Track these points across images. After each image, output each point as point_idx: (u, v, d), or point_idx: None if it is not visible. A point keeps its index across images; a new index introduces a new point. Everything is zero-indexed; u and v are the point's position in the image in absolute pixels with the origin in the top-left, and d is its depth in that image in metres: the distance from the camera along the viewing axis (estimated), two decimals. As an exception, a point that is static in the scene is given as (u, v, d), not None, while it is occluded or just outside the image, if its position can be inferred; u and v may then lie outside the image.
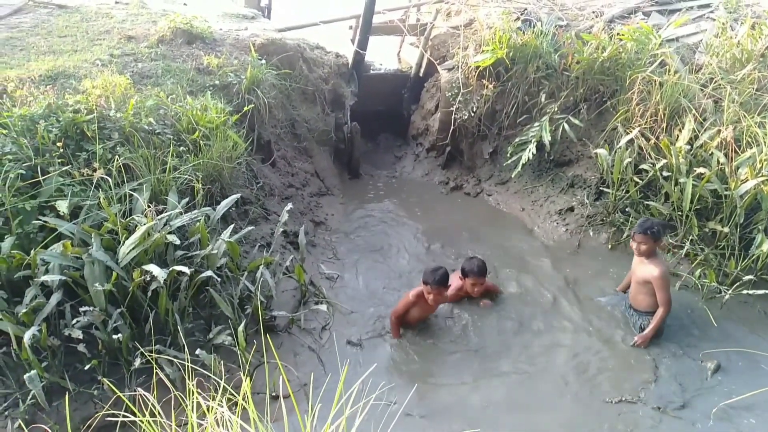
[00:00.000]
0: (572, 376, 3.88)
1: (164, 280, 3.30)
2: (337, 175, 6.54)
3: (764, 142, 4.63)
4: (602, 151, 5.26)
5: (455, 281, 4.49)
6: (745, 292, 4.42)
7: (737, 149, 4.71)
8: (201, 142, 4.33)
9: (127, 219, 3.62)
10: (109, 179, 3.67)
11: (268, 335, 2.90)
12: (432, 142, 6.83)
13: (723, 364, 3.94)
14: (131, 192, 3.79)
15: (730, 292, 4.47)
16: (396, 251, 5.38)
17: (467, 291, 4.49)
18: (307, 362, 3.89)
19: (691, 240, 4.86)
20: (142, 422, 1.74)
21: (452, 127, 6.31)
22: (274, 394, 3.41)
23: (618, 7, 6.66)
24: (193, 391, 1.80)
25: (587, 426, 3.51)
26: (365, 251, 5.37)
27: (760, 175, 4.48)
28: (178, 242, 3.54)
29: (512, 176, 6.01)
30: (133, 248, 3.43)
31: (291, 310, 4.25)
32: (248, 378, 2.08)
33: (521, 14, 6.44)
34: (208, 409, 1.75)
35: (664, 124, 5.11)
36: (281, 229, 4.41)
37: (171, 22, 5.59)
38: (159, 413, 1.77)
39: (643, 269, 4.16)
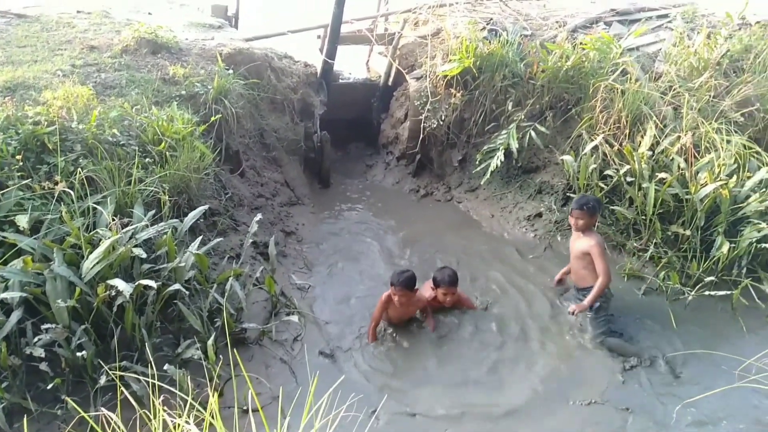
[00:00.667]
0: (542, 380, 3.93)
1: (130, 294, 3.23)
2: (308, 185, 6.51)
3: (722, 147, 4.79)
4: (568, 158, 5.37)
5: (427, 291, 4.51)
6: (707, 293, 4.55)
7: (696, 154, 4.86)
8: (167, 153, 4.26)
9: (91, 233, 3.53)
10: (72, 192, 3.58)
11: (236, 349, 2.86)
12: (402, 150, 6.87)
13: (686, 364, 4.05)
14: (95, 205, 3.70)
15: (693, 293, 4.60)
16: (368, 259, 5.38)
17: (440, 301, 4.49)
18: (279, 374, 3.84)
19: (655, 243, 4.98)
20: (106, 443, 1.69)
21: (422, 136, 6.36)
22: (244, 408, 3.36)
23: (581, 17, 6.82)
24: (158, 409, 1.76)
25: (557, 429, 3.55)
26: (337, 260, 5.35)
27: (719, 179, 4.63)
28: (144, 256, 3.47)
29: (481, 183, 6.08)
30: (98, 263, 3.35)
31: (262, 321, 4.20)
32: (216, 393, 2.04)
33: (487, 24, 6.54)
34: (175, 427, 1.71)
35: (627, 131, 5.25)
36: (251, 240, 4.36)
37: (135, 32, 5.50)
38: (123, 432, 1.73)
39: (581, 243, 4.34)
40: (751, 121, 5.21)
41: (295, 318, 4.18)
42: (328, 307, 4.68)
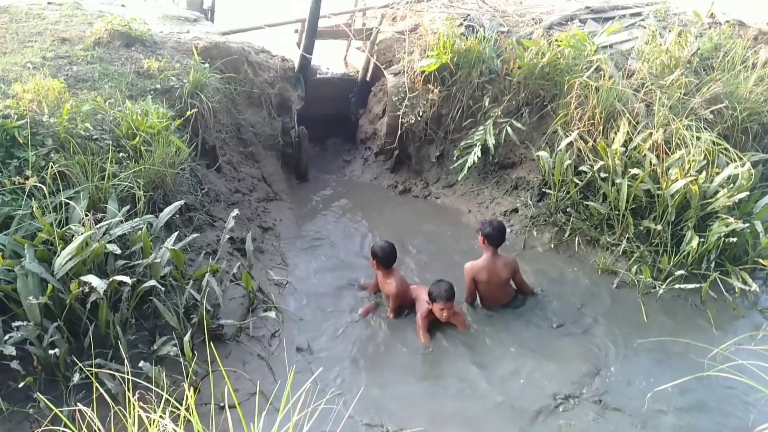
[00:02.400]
0: (515, 373, 3.99)
1: (104, 291, 3.19)
2: (285, 180, 6.48)
3: (692, 144, 4.90)
4: (544, 154, 5.43)
5: (423, 305, 4.33)
6: (677, 286, 4.66)
7: (667, 151, 4.96)
8: (142, 147, 4.21)
9: (64, 229, 3.47)
10: (43, 187, 3.52)
11: (213, 345, 2.84)
12: (380, 146, 6.87)
13: (656, 353, 4.16)
14: (67, 200, 3.64)
15: (663, 286, 4.71)
16: (346, 255, 5.38)
17: (435, 316, 4.26)
18: (257, 371, 3.83)
19: (628, 238, 5.08)
20: (79, 440, 1.68)
21: (400, 131, 6.37)
22: (221, 404, 3.35)
23: (556, 15, 6.90)
24: (134, 405, 1.75)
25: (529, 421, 3.61)
26: (315, 256, 5.34)
27: (689, 175, 4.74)
28: (118, 251, 3.44)
29: (459, 179, 6.13)
30: (70, 259, 3.30)
31: (239, 318, 4.18)
32: (192, 389, 2.03)
33: (464, 20, 6.57)
34: (150, 423, 1.70)
35: (601, 127, 5.33)
36: (227, 236, 4.33)
37: (108, 24, 5.40)
38: (99, 429, 1.71)
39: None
40: (720, 118, 5.33)
41: (272, 314, 4.17)
42: (306, 302, 4.67)
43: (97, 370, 2.99)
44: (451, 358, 4.10)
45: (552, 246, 5.42)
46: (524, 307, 4.65)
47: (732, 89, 5.41)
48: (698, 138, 4.94)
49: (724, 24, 6.49)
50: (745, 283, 4.63)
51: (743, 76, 5.49)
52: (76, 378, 3.14)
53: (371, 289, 4.78)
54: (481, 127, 5.94)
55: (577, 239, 5.34)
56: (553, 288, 4.88)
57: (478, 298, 4.62)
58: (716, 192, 4.77)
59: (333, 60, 8.32)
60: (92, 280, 3.19)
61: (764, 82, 5.44)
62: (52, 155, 3.81)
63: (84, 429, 1.79)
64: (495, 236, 4.47)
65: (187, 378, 2.71)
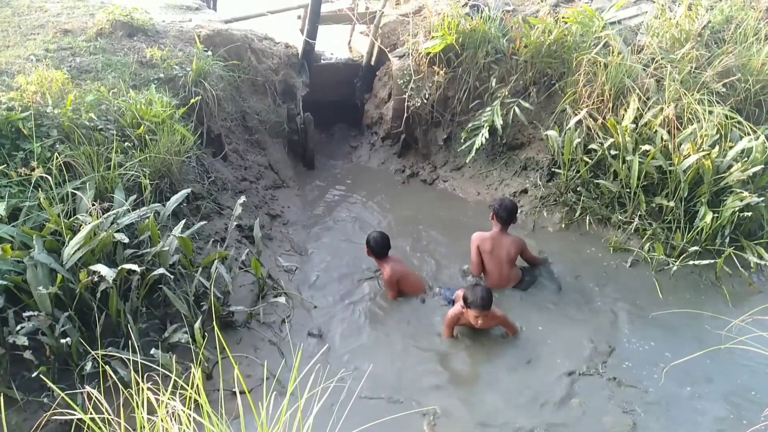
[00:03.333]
0: (530, 350, 3.97)
1: (113, 279, 3.20)
2: (292, 167, 6.45)
3: (704, 118, 4.81)
4: (553, 133, 5.36)
5: (457, 306, 4.04)
6: (691, 262, 4.60)
7: (679, 126, 4.87)
8: (147, 136, 4.19)
9: (71, 219, 3.47)
10: (50, 178, 3.51)
11: (224, 332, 2.83)
12: (386, 130, 6.81)
13: (671, 330, 4.12)
14: (74, 191, 3.64)
15: (677, 263, 4.65)
16: (354, 240, 5.35)
17: (468, 322, 3.96)
18: (269, 356, 3.83)
19: (640, 215, 5.02)
20: (88, 421, 1.67)
21: (406, 115, 6.30)
22: (233, 390, 3.35)
23: (563, -8, 6.76)
24: (142, 388, 1.74)
25: (545, 396, 3.59)
26: (323, 242, 5.33)
27: (701, 150, 4.65)
28: (126, 240, 3.43)
29: (467, 161, 6.06)
30: (79, 248, 3.30)
31: (249, 304, 4.18)
32: (200, 370, 2.02)
33: (469, 0, 6.47)
34: (159, 404, 1.69)
35: (610, 104, 5.24)
36: (235, 223, 4.32)
37: (110, 15, 5.37)
38: (107, 410, 1.70)
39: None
40: (733, 91, 5.21)
41: (282, 300, 4.17)
42: (316, 287, 4.66)
43: (109, 357, 3.00)
44: (461, 337, 4.08)
45: (563, 226, 5.36)
46: (535, 287, 4.61)
47: (744, 62, 5.28)
48: (710, 112, 4.85)
49: (736, -5, 6.33)
50: (761, 257, 4.57)
51: (756, 48, 5.36)
52: (88, 366, 3.15)
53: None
54: (488, 108, 5.86)
55: (588, 218, 5.28)
56: (565, 267, 4.83)
57: (486, 281, 4.60)
58: (730, 166, 4.68)
59: (337, 45, 8.23)
60: (101, 269, 3.19)
61: (777, 53, 5.31)
62: (57, 146, 3.81)
63: (93, 413, 1.78)
64: (503, 214, 4.54)
65: (195, 362, 2.70)
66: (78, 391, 2.73)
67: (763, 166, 4.65)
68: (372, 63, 7.14)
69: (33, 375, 3.07)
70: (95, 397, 1.72)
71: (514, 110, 5.68)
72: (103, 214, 3.49)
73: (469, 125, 5.97)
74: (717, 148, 4.68)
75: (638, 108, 5.04)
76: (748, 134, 4.80)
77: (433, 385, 3.70)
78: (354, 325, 4.26)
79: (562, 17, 5.79)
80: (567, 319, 4.27)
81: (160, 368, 2.26)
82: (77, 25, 5.39)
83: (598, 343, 4.03)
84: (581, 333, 4.13)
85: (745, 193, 4.52)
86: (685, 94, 4.95)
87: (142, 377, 2.14)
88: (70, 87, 4.32)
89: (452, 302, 4.29)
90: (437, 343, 4.05)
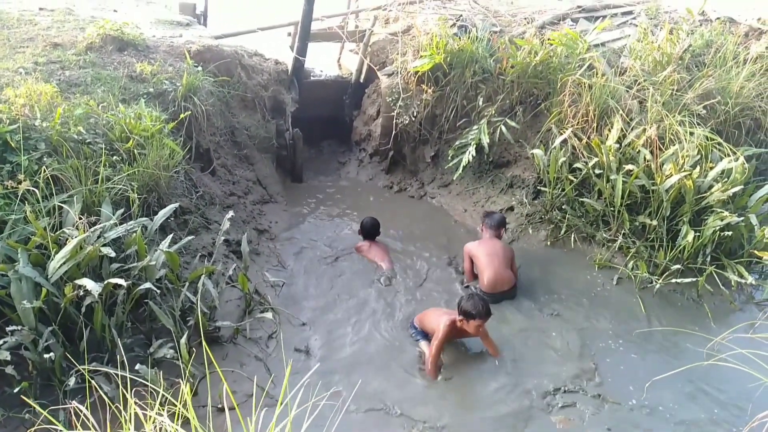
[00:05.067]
0: (515, 366, 3.99)
1: (99, 294, 3.17)
2: (280, 183, 6.47)
3: (685, 139, 4.92)
4: (538, 152, 5.44)
5: (435, 318, 4.05)
6: (674, 281, 4.67)
7: (661, 146, 4.98)
8: (135, 151, 4.19)
9: (57, 232, 3.45)
10: (36, 191, 3.49)
11: (210, 347, 2.82)
12: (375, 147, 6.87)
13: (654, 346, 4.19)
14: (61, 204, 3.62)
15: (660, 281, 4.72)
16: (342, 256, 5.36)
17: (466, 331, 3.95)
18: (255, 372, 3.80)
19: (624, 234, 5.10)
20: (75, 437, 1.65)
21: (394, 132, 6.37)
22: (219, 406, 3.33)
23: (548, 14, 6.92)
24: (129, 403, 1.73)
25: (530, 412, 3.60)
26: (311, 257, 5.32)
27: (683, 170, 4.76)
28: (113, 254, 3.41)
29: (454, 178, 6.13)
30: (65, 262, 3.28)
31: (236, 320, 4.16)
32: (188, 385, 2.01)
33: (457, 20, 6.59)
34: (146, 419, 1.68)
35: (595, 124, 5.35)
36: (223, 238, 4.31)
37: (100, 29, 5.38)
38: (93, 426, 1.69)
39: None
40: (713, 113, 5.35)
41: (269, 315, 4.14)
42: (303, 303, 4.66)
43: (93, 372, 2.96)
44: (449, 353, 4.09)
45: (548, 243, 5.43)
46: (521, 302, 4.65)
47: (724, 85, 5.43)
48: (691, 133, 4.97)
49: (715, 21, 6.52)
50: (741, 276, 4.65)
51: (735, 71, 5.52)
52: (71, 382, 3.11)
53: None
54: (475, 127, 5.94)
55: (572, 236, 5.36)
56: (550, 285, 4.88)
57: (479, 284, 4.67)
58: (710, 186, 4.79)
59: (326, 62, 8.32)
60: (87, 283, 3.16)
61: (755, 77, 5.47)
62: (44, 159, 3.79)
63: (80, 428, 1.77)
64: (492, 222, 4.88)
65: (183, 378, 2.69)
66: (60, 407, 2.69)
67: (742, 186, 4.76)
68: (361, 80, 7.22)
69: (15, 391, 3.03)
70: (82, 413, 1.71)
71: (500, 129, 5.77)
72: (90, 227, 3.47)
73: (457, 143, 6.05)
74: (698, 168, 4.80)
75: (622, 128, 5.14)
76: (728, 155, 4.92)
77: (420, 400, 3.71)
78: (342, 340, 4.26)
79: (548, 39, 5.92)
80: (551, 336, 4.30)
81: (148, 383, 2.24)
82: (67, 39, 5.40)
83: (582, 360, 4.07)
84: (565, 350, 4.16)
85: (726, 213, 4.62)
86: (666, 115, 5.07)
87: (128, 389, 2.12)
88: (59, 100, 4.32)
89: (425, 336, 4.16)
90: (423, 361, 4.05)
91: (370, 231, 5.37)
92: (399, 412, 3.59)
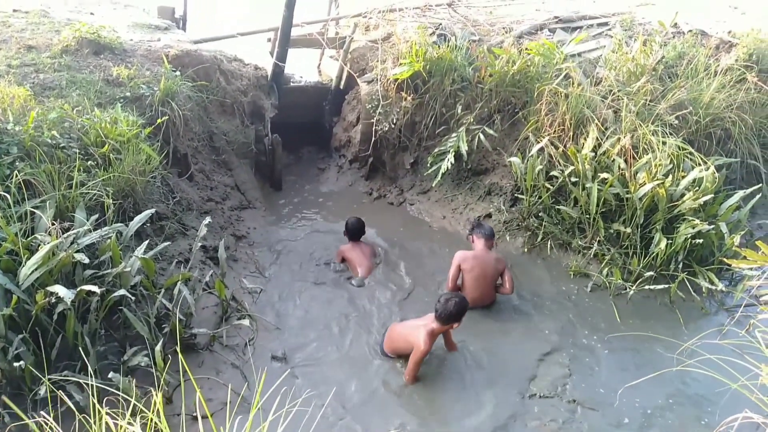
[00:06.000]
0: (491, 372, 4.02)
1: (72, 301, 3.12)
2: (259, 188, 6.43)
3: (658, 148, 5.03)
4: (516, 160, 5.51)
5: (419, 344, 3.87)
6: (647, 287, 4.76)
7: (635, 155, 5.08)
8: (111, 155, 4.14)
9: (29, 238, 3.39)
10: (8, 196, 3.43)
11: (186, 355, 2.80)
12: (354, 153, 6.88)
13: (628, 352, 4.26)
14: (33, 209, 3.56)
15: (634, 288, 4.81)
16: (321, 262, 5.35)
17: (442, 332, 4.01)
18: (231, 380, 3.77)
19: (599, 241, 5.18)
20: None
21: (374, 139, 6.39)
22: (194, 415, 3.29)
23: (526, 24, 7.02)
24: (100, 412, 1.70)
25: (507, 417, 3.63)
26: (289, 264, 5.30)
27: (656, 179, 4.86)
28: (86, 261, 3.36)
29: (433, 185, 6.17)
30: (36, 269, 3.22)
31: (212, 327, 4.13)
32: (162, 396, 1.99)
33: (436, 29, 6.65)
34: (117, 428, 1.66)
35: (571, 133, 5.43)
36: (200, 244, 4.28)
37: (76, 32, 5.31)
38: (62, 437, 1.66)
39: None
40: (685, 123, 5.48)
41: (246, 322, 4.12)
42: (280, 309, 4.63)
43: (64, 381, 2.91)
44: (424, 362, 4.10)
45: (525, 250, 5.49)
46: (497, 309, 4.69)
47: (695, 96, 5.57)
48: (664, 143, 5.07)
49: (687, 33, 6.68)
50: (711, 283, 4.76)
51: (706, 83, 5.67)
52: (42, 391, 3.05)
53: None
54: (454, 134, 5.99)
55: (549, 243, 5.42)
56: (527, 291, 4.93)
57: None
58: (682, 195, 4.89)
59: (306, 68, 8.32)
60: (59, 290, 3.11)
61: (725, 89, 5.62)
62: (17, 164, 3.72)
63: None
64: (485, 233, 4.79)
65: (157, 386, 2.66)
66: (29, 420, 2.63)
67: (713, 195, 4.88)
68: (341, 87, 7.23)
69: (-17, 400, 2.96)
70: (49, 424, 1.68)
71: (479, 137, 5.83)
72: (63, 233, 3.42)
73: (436, 150, 6.09)
74: (670, 177, 4.90)
75: (597, 137, 5.23)
76: (699, 165, 5.04)
77: (397, 405, 3.71)
78: (319, 347, 4.25)
79: (525, 49, 6.00)
80: (527, 343, 4.34)
81: (120, 392, 2.21)
82: (42, 42, 5.32)
83: (558, 366, 4.12)
84: (540, 356, 4.21)
85: (697, 221, 4.73)
86: (640, 125, 5.18)
87: (100, 402, 2.09)
88: (32, 104, 4.25)
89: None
90: (400, 367, 4.06)
91: (354, 232, 5.36)
92: (374, 419, 3.59)
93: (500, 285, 4.73)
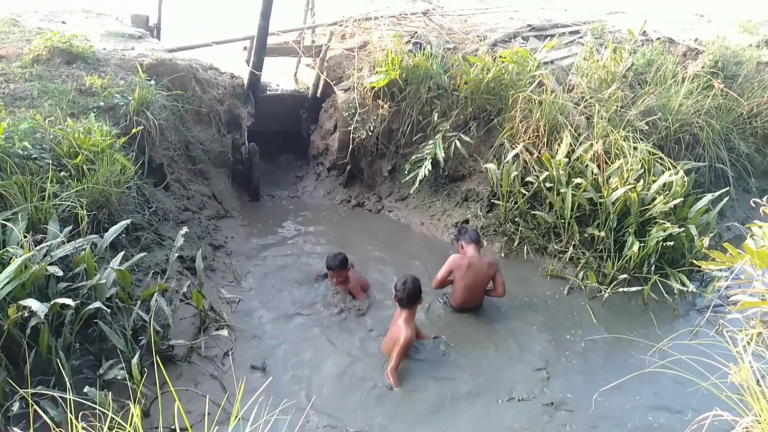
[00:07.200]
0: (471, 377, 4.06)
1: (45, 315, 3.07)
2: (236, 197, 6.40)
3: (629, 153, 5.15)
4: (492, 166, 5.58)
5: (406, 339, 4.05)
6: (621, 290, 4.86)
7: (607, 161, 5.19)
8: (84, 166, 4.09)
9: (1, 251, 3.33)
10: (-22, 209, 3.37)
11: (164, 366, 2.77)
12: (332, 161, 6.89)
13: (603, 354, 4.34)
14: (4, 222, 3.49)
15: (608, 290, 4.90)
16: (300, 270, 5.34)
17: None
18: (210, 391, 3.74)
19: (574, 245, 5.27)
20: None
21: (351, 146, 6.42)
22: (172, 427, 3.25)
23: (500, 32, 7.14)
24: (76, 427, 1.68)
25: (487, 422, 3.67)
26: (268, 273, 5.28)
27: (628, 183, 4.97)
28: (60, 274, 3.31)
29: (411, 192, 6.21)
30: (8, 282, 3.15)
31: (190, 338, 4.09)
32: (138, 407, 1.97)
33: (412, 37, 6.72)
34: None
35: (545, 139, 5.54)
36: (177, 255, 4.24)
37: (48, 41, 5.24)
38: (37, 454, 1.64)
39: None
40: (655, 129, 5.63)
41: (224, 332, 4.08)
42: (259, 319, 4.61)
43: (39, 396, 2.86)
44: (406, 365, 4.12)
45: (502, 255, 5.56)
46: (476, 313, 4.73)
47: (664, 102, 5.73)
48: (635, 148, 5.20)
49: (656, 41, 6.87)
50: (683, 284, 4.87)
51: (674, 89, 5.83)
52: (15, 407, 2.99)
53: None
54: (430, 141, 6.05)
55: (526, 248, 5.50)
56: (505, 296, 4.98)
57: (451, 300, 4.75)
58: (653, 199, 5.01)
59: (283, 76, 8.32)
60: (32, 303, 3.05)
61: (693, 95, 5.78)
62: (-13, 175, 3.66)
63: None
64: (473, 237, 4.75)
65: (134, 400, 2.63)
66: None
67: (682, 198, 5.01)
68: (318, 95, 7.25)
69: (-47, 418, 2.89)
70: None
71: (455, 143, 5.89)
72: (36, 246, 3.36)
73: (413, 157, 6.15)
74: (641, 181, 5.02)
75: (570, 143, 5.34)
76: (669, 169, 5.17)
77: (378, 413, 3.72)
78: (299, 356, 4.24)
79: (500, 56, 6.10)
80: (505, 347, 4.39)
81: (96, 406, 2.19)
82: (12, 51, 5.23)
83: (535, 369, 4.17)
84: (518, 360, 4.26)
85: (668, 224, 4.85)
86: (612, 131, 5.30)
87: (76, 417, 2.06)
88: (3, 114, 4.19)
89: None
90: (380, 374, 4.07)
91: (336, 267, 4.80)
92: (356, 427, 3.59)
93: (491, 289, 4.75)
